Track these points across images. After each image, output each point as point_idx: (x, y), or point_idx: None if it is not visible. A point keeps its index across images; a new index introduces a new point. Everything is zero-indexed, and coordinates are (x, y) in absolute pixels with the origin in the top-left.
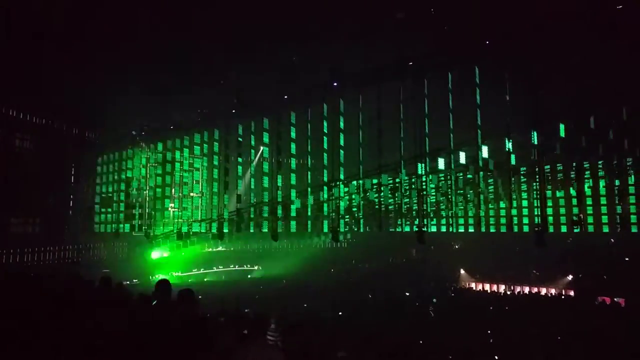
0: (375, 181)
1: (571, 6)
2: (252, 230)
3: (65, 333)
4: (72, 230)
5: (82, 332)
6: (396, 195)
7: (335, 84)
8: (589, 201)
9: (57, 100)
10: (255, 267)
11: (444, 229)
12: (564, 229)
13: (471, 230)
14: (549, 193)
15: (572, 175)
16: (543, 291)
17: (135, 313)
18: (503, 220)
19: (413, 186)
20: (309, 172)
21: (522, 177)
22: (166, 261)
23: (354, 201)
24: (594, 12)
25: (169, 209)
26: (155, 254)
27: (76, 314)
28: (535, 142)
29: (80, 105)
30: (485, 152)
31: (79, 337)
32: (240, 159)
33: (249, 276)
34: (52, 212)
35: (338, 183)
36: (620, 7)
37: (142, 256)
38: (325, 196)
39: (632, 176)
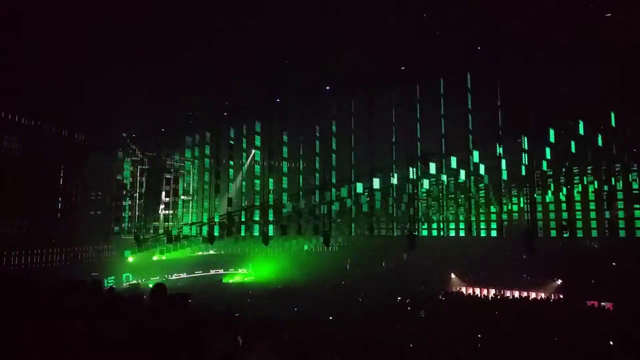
0: (367, 185)
1: (560, 12)
2: (242, 234)
3: (58, 337)
4: (61, 232)
5: (74, 336)
6: (388, 199)
7: (327, 87)
8: (578, 206)
9: (47, 102)
10: (240, 270)
11: (435, 233)
12: (553, 233)
13: (462, 234)
14: (538, 198)
15: (562, 180)
16: (533, 295)
17: (127, 317)
18: (493, 225)
19: (404, 190)
20: (300, 176)
21: (512, 181)
22: (156, 264)
23: (345, 205)
24: (582, 18)
25: (159, 212)
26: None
27: (68, 317)
28: (526, 147)
29: (70, 106)
30: (476, 156)
31: (71, 342)
32: (231, 162)
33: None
34: (41, 215)
35: (330, 187)
36: (609, 14)
37: (133, 259)
38: (317, 200)
39: (620, 181)
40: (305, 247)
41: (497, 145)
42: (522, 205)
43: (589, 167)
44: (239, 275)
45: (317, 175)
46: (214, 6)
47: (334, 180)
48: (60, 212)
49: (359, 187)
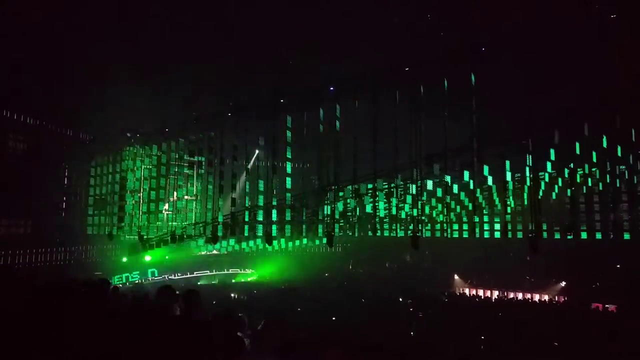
0: (370, 186)
1: (563, 10)
2: (246, 234)
3: (63, 337)
4: (64, 232)
5: (80, 335)
6: (391, 200)
7: (331, 88)
8: (582, 207)
9: (51, 100)
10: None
11: (438, 234)
12: (557, 235)
13: (465, 235)
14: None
15: (566, 182)
16: (536, 297)
17: (135, 316)
18: (497, 226)
19: (408, 191)
20: (303, 176)
21: (516, 183)
22: (158, 264)
23: (348, 206)
24: (587, 15)
25: (163, 211)
26: (148, 257)
27: (74, 316)
28: (530, 148)
29: (74, 105)
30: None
31: (75, 342)
32: (235, 162)
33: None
34: (44, 214)
35: (333, 187)
36: (614, 16)
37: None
38: (320, 200)
39: (625, 183)
40: (309, 248)
41: (501, 147)
42: (525, 206)
43: (594, 169)
44: None
45: (320, 175)
46: (219, 5)
47: (337, 181)
48: (65, 211)
49: (363, 188)
